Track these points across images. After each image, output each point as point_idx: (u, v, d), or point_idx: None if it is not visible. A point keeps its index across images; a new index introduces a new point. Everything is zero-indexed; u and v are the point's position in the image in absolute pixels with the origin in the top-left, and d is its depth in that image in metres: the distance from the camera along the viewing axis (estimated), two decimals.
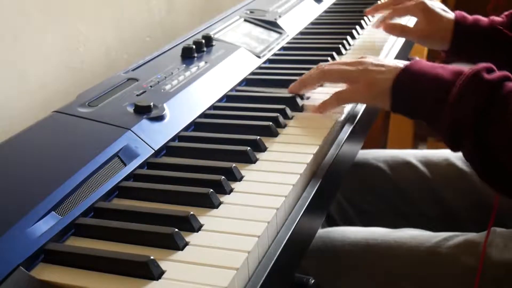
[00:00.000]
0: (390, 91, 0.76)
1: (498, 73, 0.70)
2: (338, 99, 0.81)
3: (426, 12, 1.04)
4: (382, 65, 0.79)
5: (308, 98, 0.88)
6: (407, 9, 1.08)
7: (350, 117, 0.84)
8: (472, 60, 1.04)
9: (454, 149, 0.72)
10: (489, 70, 0.71)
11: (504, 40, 1.01)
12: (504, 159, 0.67)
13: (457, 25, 1.02)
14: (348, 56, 1.05)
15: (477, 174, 0.71)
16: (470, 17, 1.03)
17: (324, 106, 0.82)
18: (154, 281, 0.51)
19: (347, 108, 0.84)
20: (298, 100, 0.85)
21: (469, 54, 1.04)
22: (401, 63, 0.78)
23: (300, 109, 0.84)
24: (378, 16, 1.17)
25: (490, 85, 0.69)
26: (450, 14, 1.04)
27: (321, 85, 0.87)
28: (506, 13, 1.03)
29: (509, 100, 0.67)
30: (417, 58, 0.82)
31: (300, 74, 0.92)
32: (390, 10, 1.11)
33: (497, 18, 1.03)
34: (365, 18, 1.22)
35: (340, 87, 0.82)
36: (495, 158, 0.68)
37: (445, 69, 0.74)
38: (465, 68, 0.73)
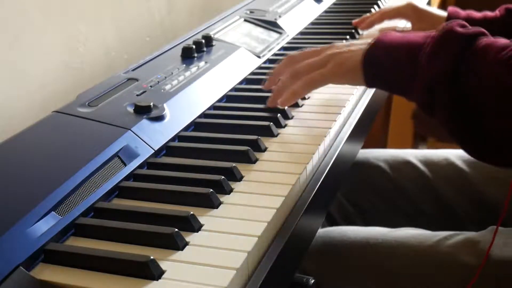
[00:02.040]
0: (361, 66, 0.74)
1: (472, 28, 0.67)
2: (309, 84, 0.78)
3: (417, 12, 1.07)
4: (351, 44, 0.78)
5: (308, 97, 0.88)
6: (397, 11, 1.10)
7: (351, 117, 0.84)
8: None
9: (430, 112, 0.68)
10: (462, 26, 0.68)
11: (498, 34, 1.02)
12: (482, 116, 0.63)
13: (450, 20, 1.03)
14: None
15: (455, 139, 0.67)
16: (463, 12, 1.04)
17: (293, 95, 0.79)
18: (154, 281, 0.51)
19: (347, 108, 0.84)
20: (298, 100, 0.85)
21: None
22: (372, 40, 0.76)
23: (300, 108, 0.84)
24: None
25: (463, 38, 0.65)
26: (442, 11, 1.06)
27: None
28: (499, 8, 1.04)
29: (485, 53, 0.64)
30: None
31: None
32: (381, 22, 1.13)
33: (490, 13, 1.04)
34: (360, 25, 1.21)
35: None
36: (472, 117, 0.64)
37: (416, 34, 0.72)
38: (434, 30, 0.70)
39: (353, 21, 1.17)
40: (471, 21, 1.02)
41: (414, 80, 0.68)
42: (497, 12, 1.04)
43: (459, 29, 0.66)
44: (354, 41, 0.79)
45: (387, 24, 1.17)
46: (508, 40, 0.65)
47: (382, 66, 0.73)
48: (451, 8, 1.06)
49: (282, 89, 0.81)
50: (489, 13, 1.04)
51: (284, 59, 0.84)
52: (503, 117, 0.61)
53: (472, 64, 0.64)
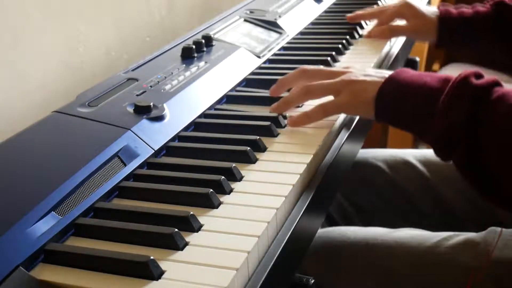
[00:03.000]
0: (374, 101, 0.74)
1: (487, 78, 0.69)
2: (323, 112, 0.78)
3: (410, 9, 1.09)
4: (367, 75, 0.78)
5: None
6: (394, 13, 1.12)
7: (350, 117, 0.84)
8: (459, 49, 1.07)
9: (445, 158, 0.70)
10: (477, 76, 0.69)
11: (488, 28, 1.03)
12: (495, 166, 0.65)
13: (442, 17, 1.05)
14: (348, 56, 1.06)
15: (468, 183, 0.70)
16: (454, 11, 1.07)
17: (307, 119, 0.79)
18: (154, 281, 0.51)
19: None
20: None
21: (457, 44, 1.08)
22: (387, 73, 0.77)
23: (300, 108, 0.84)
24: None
25: (479, 90, 0.67)
26: (435, 8, 1.09)
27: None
28: (489, 2, 1.05)
29: (499, 105, 0.66)
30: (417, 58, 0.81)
31: None
32: (375, 19, 1.15)
33: (480, 8, 1.05)
34: (355, 20, 1.22)
35: None
36: (486, 165, 0.66)
37: (432, 77, 0.73)
38: (452, 75, 0.71)
39: (347, 15, 1.18)
40: (463, 16, 1.04)
41: (430, 128, 0.69)
42: (488, 6, 1.04)
43: (474, 81, 0.68)
44: (371, 71, 0.79)
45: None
46: None
47: (396, 107, 0.73)
48: (442, 8, 1.07)
49: (290, 101, 0.81)
50: (480, 8, 1.05)
51: (297, 71, 0.84)
52: None
53: (488, 114, 0.66)
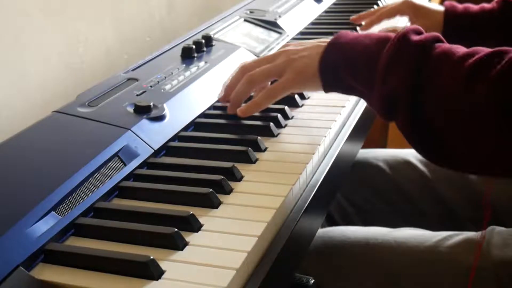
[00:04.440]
0: (319, 73, 0.74)
1: (426, 34, 0.67)
2: (270, 96, 0.78)
3: (415, 9, 1.09)
4: (304, 49, 0.77)
5: (308, 97, 0.88)
6: (396, 9, 1.11)
7: (350, 117, 0.84)
8: (466, 47, 1.06)
9: (387, 119, 0.69)
10: (417, 32, 0.67)
11: (495, 26, 1.03)
12: (440, 126, 0.63)
13: (448, 15, 1.04)
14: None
15: (412, 146, 0.68)
16: (460, 6, 1.05)
17: (257, 106, 0.78)
18: (154, 281, 0.51)
19: (347, 108, 0.84)
20: (298, 100, 0.85)
21: (462, 42, 1.06)
22: (325, 41, 0.76)
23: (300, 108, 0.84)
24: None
25: (419, 47, 0.65)
26: (440, 6, 1.08)
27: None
28: (496, 0, 1.04)
29: (441, 62, 0.63)
30: None
31: None
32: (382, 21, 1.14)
33: (487, 5, 1.04)
34: (357, 22, 1.22)
35: None
36: (431, 127, 0.64)
37: (371, 38, 0.71)
38: (391, 34, 0.69)
39: (351, 17, 1.17)
40: (469, 14, 1.03)
41: (373, 90, 0.68)
42: (494, 4, 1.04)
43: (413, 38, 0.66)
44: (306, 42, 0.78)
45: (386, 24, 1.18)
46: (464, 49, 0.64)
47: (339, 74, 0.72)
48: (447, 3, 1.07)
49: (239, 96, 0.80)
50: (486, 5, 1.05)
51: (237, 69, 0.83)
52: (460, 130, 0.62)
53: (429, 72, 0.64)
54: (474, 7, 1.05)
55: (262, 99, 0.78)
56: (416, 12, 1.08)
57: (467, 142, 0.62)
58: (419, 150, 0.67)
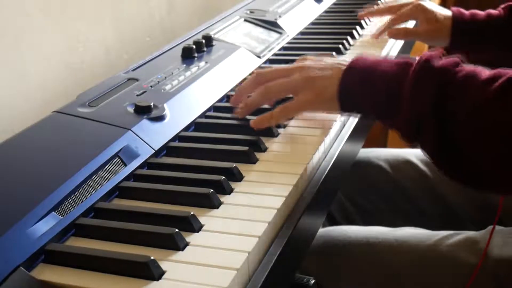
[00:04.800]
0: (337, 96, 0.73)
1: (447, 59, 0.67)
2: (285, 113, 0.77)
3: (425, 13, 1.08)
4: (324, 68, 0.76)
5: None
6: (408, 14, 1.12)
7: (350, 117, 0.84)
8: (472, 53, 1.06)
9: (412, 143, 0.69)
10: (438, 57, 0.68)
11: (501, 32, 1.03)
12: (467, 148, 0.64)
13: (455, 21, 1.04)
14: (348, 56, 1.05)
15: (438, 168, 0.68)
16: (467, 12, 1.06)
17: (270, 119, 0.77)
18: (155, 281, 0.51)
19: None
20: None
21: (469, 48, 1.07)
22: (344, 63, 0.75)
23: None
24: (376, 19, 1.20)
25: (442, 71, 0.65)
26: (448, 12, 1.08)
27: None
28: (502, 6, 1.04)
29: (467, 85, 0.64)
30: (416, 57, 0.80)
31: None
32: (387, 16, 1.14)
33: (493, 11, 1.05)
34: (365, 18, 1.22)
35: None
36: (457, 149, 0.64)
37: (391, 63, 0.71)
38: (409, 58, 0.70)
39: (359, 13, 1.18)
40: (476, 20, 1.03)
41: (397, 114, 0.68)
42: (500, 10, 1.04)
43: (436, 63, 0.66)
44: (324, 59, 0.78)
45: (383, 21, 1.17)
46: (487, 71, 0.65)
47: (358, 99, 0.72)
48: (455, 9, 1.07)
49: (251, 104, 0.80)
50: (492, 12, 1.05)
51: (252, 76, 0.82)
52: (489, 150, 0.62)
53: (455, 96, 0.64)
54: (480, 13, 1.06)
55: (277, 115, 0.77)
56: (427, 17, 1.08)
57: (497, 163, 0.62)
58: (447, 172, 0.68)
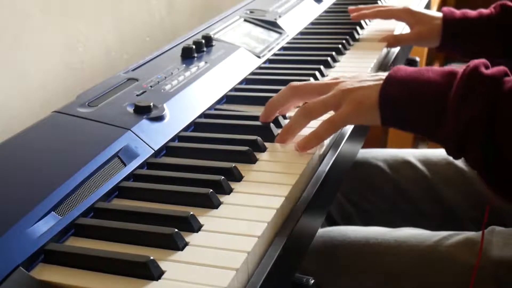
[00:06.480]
0: (378, 105, 0.70)
1: (496, 68, 0.66)
2: (332, 127, 0.73)
3: (413, 15, 1.09)
4: (362, 81, 0.73)
5: None
6: (391, 13, 1.12)
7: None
8: (463, 53, 1.07)
9: (458, 156, 0.67)
10: (486, 66, 0.66)
11: (493, 31, 1.03)
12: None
13: (446, 20, 1.04)
14: (348, 56, 1.05)
15: (484, 183, 0.66)
16: (457, 12, 1.05)
17: (317, 139, 0.73)
18: (154, 281, 0.51)
19: None
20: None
21: (460, 47, 1.07)
22: (382, 75, 0.73)
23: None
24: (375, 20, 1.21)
25: (491, 80, 0.63)
26: (437, 13, 1.08)
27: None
28: (493, 5, 1.04)
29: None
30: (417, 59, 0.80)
31: (301, 75, 0.93)
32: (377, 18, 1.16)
33: (485, 11, 1.05)
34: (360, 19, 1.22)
35: None
36: (503, 161, 0.63)
37: (434, 72, 0.69)
38: (454, 67, 0.68)
39: (349, 8, 1.18)
40: (467, 20, 1.03)
41: (442, 125, 0.66)
42: (492, 9, 1.04)
43: (485, 72, 0.64)
44: (364, 75, 0.75)
45: (384, 26, 1.18)
46: None
47: (401, 109, 0.69)
48: (445, 9, 1.07)
49: (293, 129, 0.75)
50: (484, 11, 1.05)
51: (287, 89, 0.78)
52: None
53: (500, 109, 0.62)
54: (472, 12, 1.05)
55: (322, 132, 0.73)
56: (415, 19, 1.08)
57: None
58: (494, 187, 0.66)
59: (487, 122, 0.62)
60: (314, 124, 0.74)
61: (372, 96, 0.70)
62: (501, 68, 0.66)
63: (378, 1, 1.35)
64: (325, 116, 0.75)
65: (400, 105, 0.69)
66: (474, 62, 0.66)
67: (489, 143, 0.63)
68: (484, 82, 0.64)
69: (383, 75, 0.72)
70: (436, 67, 0.71)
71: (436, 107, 0.66)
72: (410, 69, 0.71)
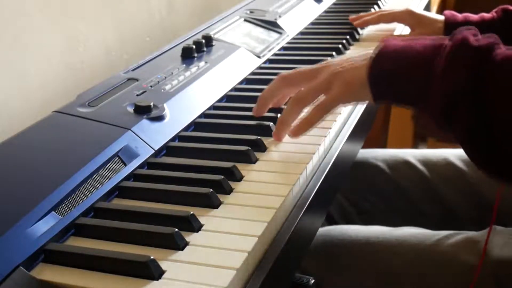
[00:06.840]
0: (368, 82, 0.69)
1: (486, 39, 0.64)
2: (322, 111, 0.73)
3: (415, 18, 1.09)
4: (349, 59, 0.73)
5: None
6: (393, 16, 1.11)
7: (351, 117, 0.84)
8: None
9: (445, 126, 0.66)
10: (474, 35, 0.65)
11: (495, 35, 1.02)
12: (504, 135, 0.61)
13: (448, 24, 1.04)
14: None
15: (471, 158, 0.65)
16: (459, 15, 1.05)
17: (308, 124, 0.73)
18: (154, 281, 0.51)
19: (347, 108, 0.84)
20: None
21: None
22: (371, 51, 0.71)
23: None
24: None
25: (479, 50, 0.62)
26: (439, 15, 1.07)
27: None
28: (495, 9, 1.04)
29: (504, 67, 0.61)
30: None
31: None
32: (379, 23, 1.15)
33: (486, 15, 1.04)
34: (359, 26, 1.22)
35: None
36: (493, 135, 0.61)
37: (423, 42, 0.68)
38: (442, 38, 0.67)
39: (350, 17, 1.17)
40: (469, 23, 1.03)
41: (429, 95, 0.65)
42: (494, 14, 1.04)
43: (473, 41, 0.64)
44: (351, 55, 0.75)
45: (384, 26, 1.18)
46: None
47: (391, 81, 0.69)
48: (447, 12, 1.07)
49: (287, 120, 0.75)
50: (486, 15, 1.05)
51: (277, 80, 0.78)
52: None
53: (492, 79, 0.61)
54: (473, 16, 1.05)
55: (312, 116, 0.73)
56: (417, 21, 1.08)
57: None
58: (481, 163, 0.65)
59: (475, 94, 0.61)
60: None
61: (361, 74, 0.70)
62: (491, 38, 0.65)
63: (378, 1, 1.35)
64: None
65: (390, 79, 0.69)
66: (462, 31, 0.65)
67: (477, 110, 0.62)
68: (471, 53, 0.63)
69: (372, 52, 0.72)
70: (425, 39, 0.70)
71: (424, 78, 0.66)
72: (399, 42, 0.71)
